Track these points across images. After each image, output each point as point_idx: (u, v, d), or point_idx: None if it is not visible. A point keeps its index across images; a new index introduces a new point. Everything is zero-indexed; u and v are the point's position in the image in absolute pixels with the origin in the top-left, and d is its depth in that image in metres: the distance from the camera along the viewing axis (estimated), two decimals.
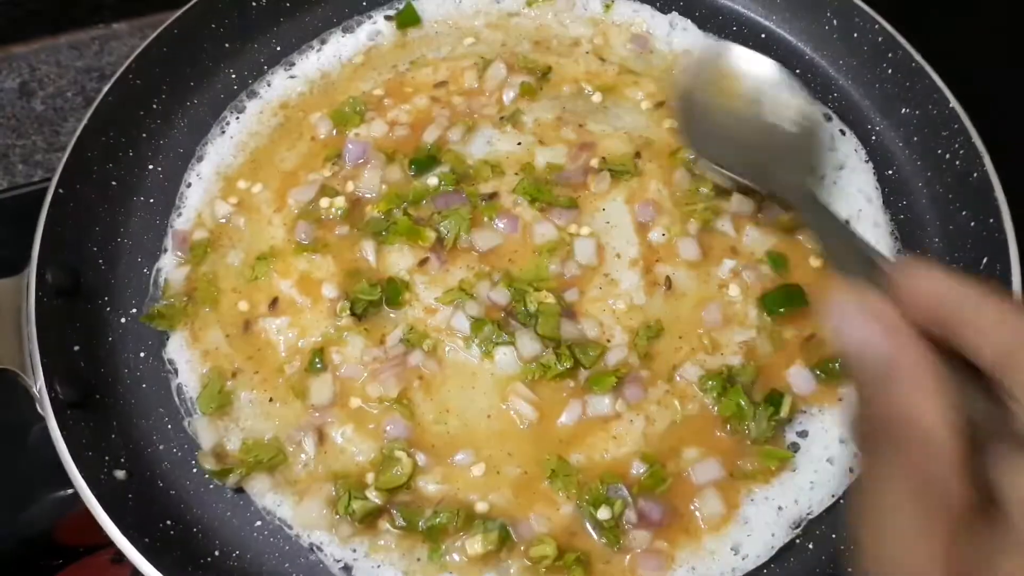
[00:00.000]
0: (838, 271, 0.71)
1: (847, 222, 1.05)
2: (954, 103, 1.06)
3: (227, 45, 1.19)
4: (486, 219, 1.03)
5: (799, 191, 0.94)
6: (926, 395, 0.51)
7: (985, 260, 0.99)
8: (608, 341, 0.96)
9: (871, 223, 1.07)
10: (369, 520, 0.88)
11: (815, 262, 1.02)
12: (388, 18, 1.23)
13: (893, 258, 1.03)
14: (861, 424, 0.56)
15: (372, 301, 0.98)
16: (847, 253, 0.74)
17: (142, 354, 0.99)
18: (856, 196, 1.08)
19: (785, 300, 0.98)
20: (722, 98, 1.04)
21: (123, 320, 1.01)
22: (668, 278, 1.00)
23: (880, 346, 0.54)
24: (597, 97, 1.14)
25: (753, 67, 1.05)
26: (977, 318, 0.53)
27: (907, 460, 0.51)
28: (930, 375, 0.52)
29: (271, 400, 0.95)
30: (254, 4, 1.20)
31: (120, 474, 0.90)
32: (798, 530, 0.89)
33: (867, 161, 1.12)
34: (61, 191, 1.00)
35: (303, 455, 0.92)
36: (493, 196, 1.04)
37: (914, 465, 0.50)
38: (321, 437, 0.93)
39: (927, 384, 0.52)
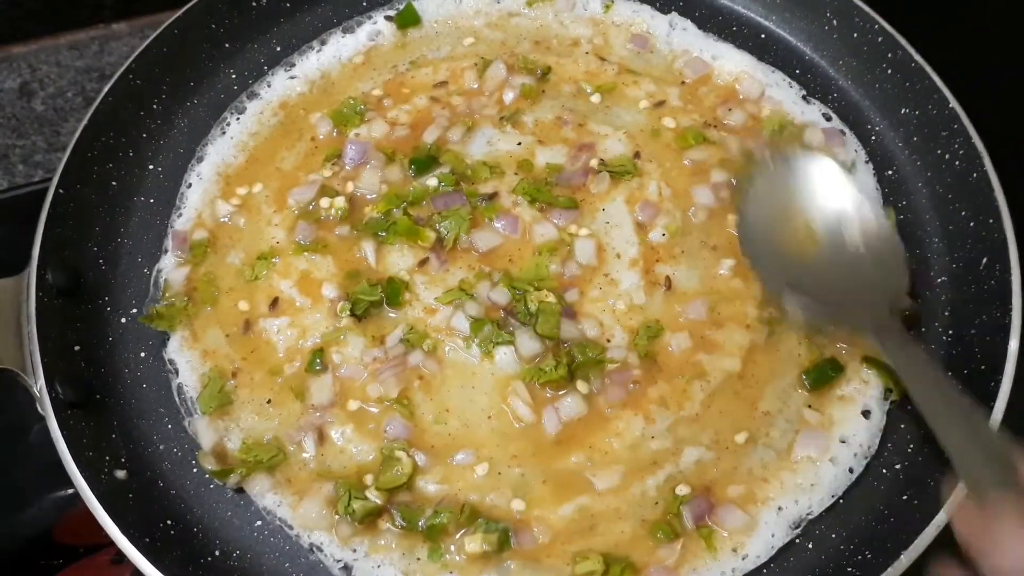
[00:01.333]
0: (955, 462, 0.63)
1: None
2: (954, 103, 1.06)
3: (227, 45, 1.19)
4: (486, 219, 1.03)
5: (877, 324, 0.84)
6: None
7: (985, 260, 0.99)
8: (608, 341, 0.97)
9: None
10: (369, 520, 0.88)
11: None
12: (388, 18, 1.23)
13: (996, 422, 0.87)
14: None
15: (372, 301, 0.98)
16: (953, 426, 0.65)
17: (142, 354, 0.99)
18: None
19: (825, 377, 0.96)
20: (787, 218, 0.93)
21: (123, 320, 1.01)
22: (668, 278, 1.00)
23: None
24: (597, 97, 1.14)
25: (821, 184, 0.95)
26: None
27: None
28: None
29: (271, 400, 0.95)
30: (254, 4, 1.20)
31: (120, 474, 0.90)
32: (798, 530, 0.90)
33: (867, 161, 1.12)
34: (61, 191, 1.00)
35: (303, 455, 0.92)
36: (493, 196, 1.04)
37: None
38: (321, 437, 0.93)
39: None
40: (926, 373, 0.78)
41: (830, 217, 0.93)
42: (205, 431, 0.94)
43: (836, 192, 0.94)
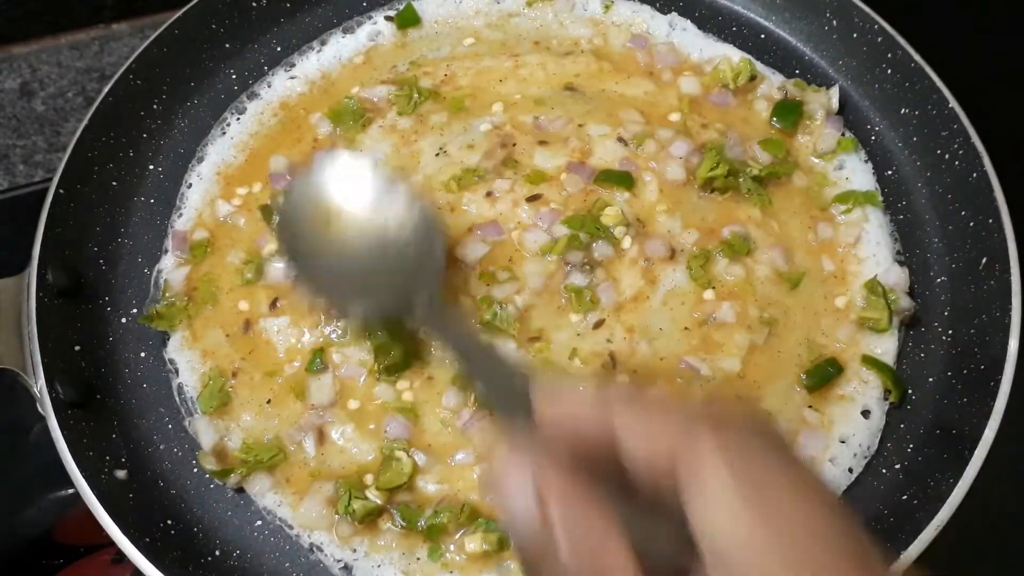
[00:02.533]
0: (490, 404, 0.65)
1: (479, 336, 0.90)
2: (954, 103, 1.06)
3: (227, 46, 1.19)
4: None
5: (425, 311, 0.84)
6: (604, 555, 0.46)
7: (985, 260, 0.99)
8: (608, 341, 0.96)
9: (874, 224, 1.07)
10: (369, 520, 0.88)
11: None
12: (388, 18, 1.23)
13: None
14: None
15: None
16: (491, 376, 0.67)
17: (143, 354, 0.99)
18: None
19: (825, 377, 0.96)
20: (325, 226, 0.90)
21: (124, 320, 1.01)
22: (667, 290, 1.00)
23: (532, 514, 0.48)
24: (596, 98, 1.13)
25: (355, 183, 0.91)
26: (624, 428, 0.49)
27: None
28: (600, 527, 0.46)
29: (271, 400, 0.95)
30: (254, 5, 1.20)
31: (121, 474, 0.91)
32: None
33: (867, 161, 1.12)
34: (62, 191, 1.00)
35: (303, 455, 0.92)
36: (488, 196, 1.04)
37: None
38: (321, 437, 0.93)
39: (602, 543, 0.46)
40: (471, 341, 0.79)
41: (358, 214, 0.90)
42: (205, 431, 0.94)
43: (361, 187, 0.91)
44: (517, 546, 0.51)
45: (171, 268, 1.04)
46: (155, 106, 1.13)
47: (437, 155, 1.08)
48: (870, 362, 0.97)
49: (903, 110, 1.13)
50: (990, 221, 0.99)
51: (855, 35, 1.16)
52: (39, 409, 0.90)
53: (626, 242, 1.00)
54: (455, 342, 0.79)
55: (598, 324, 0.96)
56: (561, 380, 0.57)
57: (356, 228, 0.90)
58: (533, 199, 1.02)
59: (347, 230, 0.90)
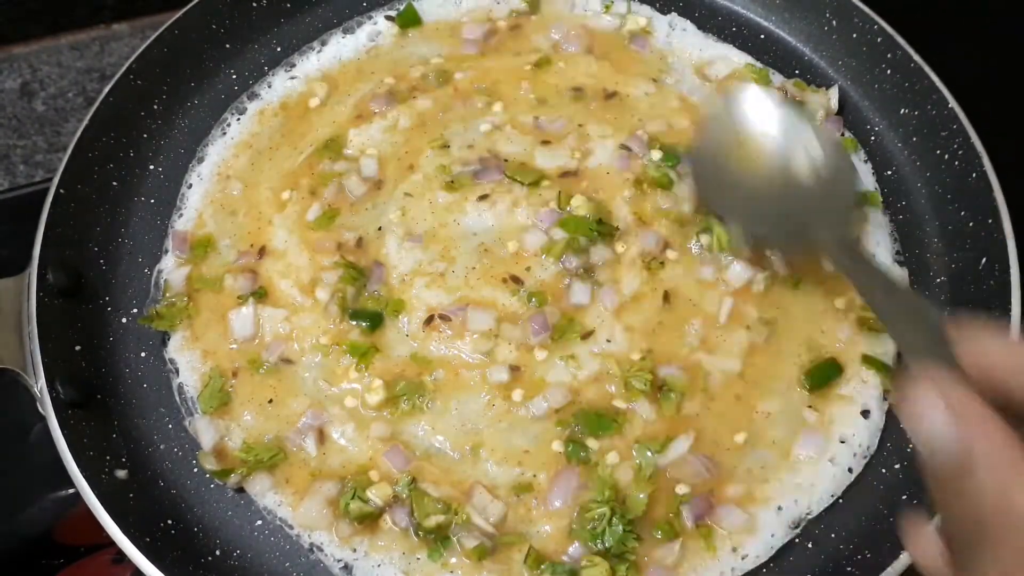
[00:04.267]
0: (900, 347, 0.69)
1: (888, 274, 0.93)
2: (953, 103, 1.06)
3: (227, 46, 1.19)
4: None
5: (835, 247, 0.88)
6: (1014, 477, 0.47)
7: (984, 260, 0.99)
8: (608, 341, 0.97)
9: (874, 224, 1.07)
10: (369, 520, 0.88)
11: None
12: (388, 18, 1.23)
13: (943, 311, 0.95)
14: (948, 526, 0.51)
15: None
16: (899, 316, 0.71)
17: (143, 354, 0.99)
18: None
19: (825, 377, 0.96)
20: (738, 154, 0.97)
21: (124, 320, 1.01)
22: (667, 291, 1.00)
23: (950, 434, 0.49)
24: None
25: (769, 115, 0.98)
26: None
27: (1010, 552, 0.46)
28: (1014, 453, 0.47)
29: (272, 400, 0.95)
30: (254, 5, 1.20)
31: (121, 474, 0.91)
32: (797, 530, 0.90)
33: (866, 161, 1.12)
34: (62, 191, 1.00)
35: (304, 455, 0.92)
36: (484, 197, 1.04)
37: (1019, 554, 0.46)
38: (321, 437, 0.93)
39: (1013, 465, 0.47)
40: (877, 278, 0.83)
41: (777, 144, 0.96)
42: (206, 430, 0.94)
43: (780, 119, 0.97)
44: (929, 464, 0.52)
45: (171, 268, 1.04)
46: (155, 106, 1.13)
47: (442, 152, 1.08)
48: (870, 362, 0.97)
49: (903, 110, 1.13)
50: (989, 221, 0.99)
51: (855, 35, 1.16)
52: (39, 409, 0.90)
53: (619, 247, 1.01)
54: (862, 279, 0.82)
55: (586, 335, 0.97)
56: (980, 325, 0.59)
57: (766, 156, 0.95)
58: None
59: (757, 157, 0.95)
